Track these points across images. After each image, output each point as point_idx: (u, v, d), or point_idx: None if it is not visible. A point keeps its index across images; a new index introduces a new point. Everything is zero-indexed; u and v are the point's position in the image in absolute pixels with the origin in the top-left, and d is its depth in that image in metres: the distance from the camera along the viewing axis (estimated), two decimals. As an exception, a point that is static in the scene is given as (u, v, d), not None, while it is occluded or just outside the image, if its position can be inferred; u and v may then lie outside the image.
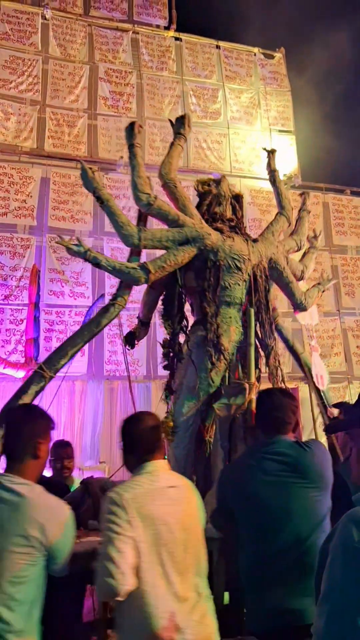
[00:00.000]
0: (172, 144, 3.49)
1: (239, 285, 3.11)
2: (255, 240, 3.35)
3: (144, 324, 3.50)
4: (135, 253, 3.19)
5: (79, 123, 9.38)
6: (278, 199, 3.90)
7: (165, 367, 3.20)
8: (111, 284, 8.47)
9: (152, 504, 1.89)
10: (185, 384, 2.95)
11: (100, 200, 3.03)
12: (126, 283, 3.06)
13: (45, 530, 1.80)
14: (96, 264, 2.95)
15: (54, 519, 1.85)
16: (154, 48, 10.54)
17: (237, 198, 3.54)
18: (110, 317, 2.96)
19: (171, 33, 10.82)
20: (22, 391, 2.76)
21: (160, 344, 3.24)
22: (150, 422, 2.12)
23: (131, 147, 3.31)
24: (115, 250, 8.64)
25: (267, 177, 10.79)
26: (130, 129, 3.35)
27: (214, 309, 3.02)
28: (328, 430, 2.89)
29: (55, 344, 7.95)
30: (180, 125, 3.52)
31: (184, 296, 3.18)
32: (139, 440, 2.07)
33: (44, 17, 9.82)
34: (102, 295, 8.04)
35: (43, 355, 7.59)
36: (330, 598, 1.16)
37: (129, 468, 2.11)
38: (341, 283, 9.87)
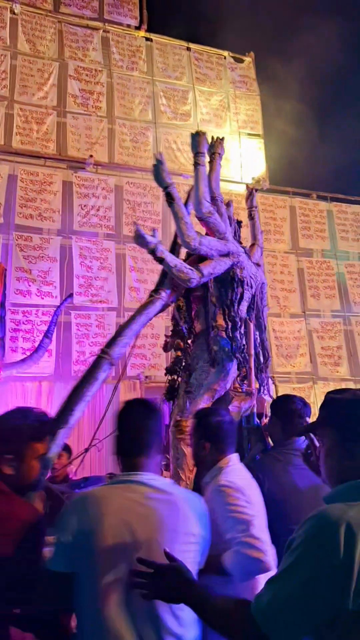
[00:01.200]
0: (210, 162, 3.64)
1: (246, 301, 3.39)
2: (257, 265, 3.69)
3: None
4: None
5: (47, 120, 9.27)
6: (253, 233, 4.08)
7: (169, 370, 3.41)
8: (80, 283, 8.42)
9: (254, 491, 2.11)
10: (205, 385, 3.15)
11: (171, 197, 3.06)
12: (170, 279, 3.16)
13: (204, 524, 1.76)
14: (160, 259, 3.00)
15: (204, 512, 1.80)
16: (125, 47, 10.52)
17: (239, 224, 3.77)
18: (156, 310, 3.11)
19: (142, 33, 10.82)
20: (91, 377, 2.78)
21: (173, 346, 3.43)
22: (228, 417, 2.31)
23: (200, 155, 3.40)
24: (84, 250, 8.60)
25: (235, 180, 10.88)
26: (198, 137, 3.45)
27: (238, 319, 3.27)
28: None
29: (21, 344, 7.84)
30: (217, 146, 3.76)
31: (214, 304, 3.33)
32: (225, 434, 2.23)
33: (12, 12, 9.66)
34: (70, 295, 7.99)
35: (9, 356, 7.47)
36: (279, 581, 1.23)
37: (203, 460, 2.25)
38: (307, 285, 10.07)
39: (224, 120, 10.90)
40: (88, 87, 9.85)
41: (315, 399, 9.13)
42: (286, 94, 12.03)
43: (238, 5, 12.44)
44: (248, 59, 11.63)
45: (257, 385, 3.40)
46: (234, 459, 2.22)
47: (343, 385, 9.34)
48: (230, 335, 3.19)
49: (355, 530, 1.16)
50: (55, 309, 7.46)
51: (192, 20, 12.34)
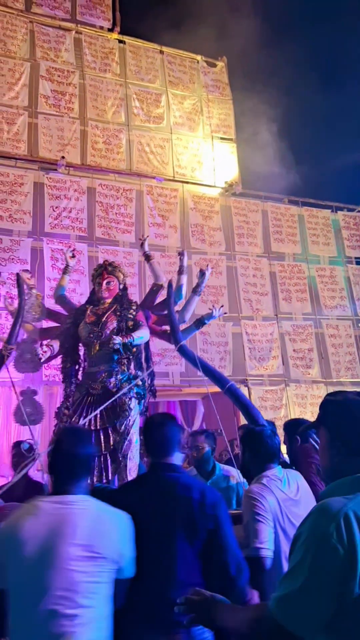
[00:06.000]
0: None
1: None
2: None
3: None
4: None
5: (18, 121, 9.13)
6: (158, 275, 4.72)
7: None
8: (51, 286, 8.29)
9: None
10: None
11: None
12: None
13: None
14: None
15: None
16: (97, 49, 10.45)
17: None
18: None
19: (115, 35, 10.77)
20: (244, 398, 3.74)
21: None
22: None
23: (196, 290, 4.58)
24: (56, 252, 8.49)
25: (208, 183, 10.87)
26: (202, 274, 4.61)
27: None
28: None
29: None
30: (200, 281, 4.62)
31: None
32: None
33: (-18, 10, 9.51)
34: (41, 298, 7.86)
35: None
36: (291, 576, 1.31)
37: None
38: (279, 289, 10.17)
39: (197, 124, 10.94)
40: (60, 88, 9.75)
41: (287, 400, 9.22)
42: (258, 99, 12.19)
43: (211, 9, 12.54)
44: (221, 64, 11.70)
45: None
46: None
47: (314, 387, 9.49)
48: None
49: (353, 520, 1.26)
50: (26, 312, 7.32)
51: (165, 23, 12.39)
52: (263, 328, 9.72)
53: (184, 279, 4.54)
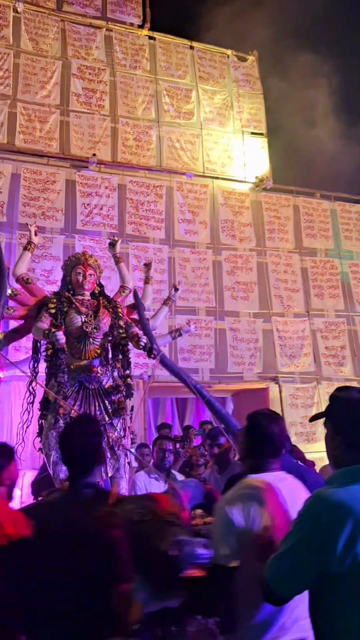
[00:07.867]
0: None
1: None
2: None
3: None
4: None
5: (50, 119, 9.24)
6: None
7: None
8: (82, 282, 8.40)
9: None
10: None
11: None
12: None
13: None
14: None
15: None
16: (128, 46, 10.48)
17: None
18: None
19: (145, 32, 10.77)
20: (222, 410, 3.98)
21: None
22: None
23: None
24: (87, 249, 8.56)
25: (239, 179, 10.82)
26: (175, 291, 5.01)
27: None
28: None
29: (24, 343, 7.78)
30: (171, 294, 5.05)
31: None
32: None
33: (15, 11, 9.61)
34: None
35: (11, 355, 7.42)
36: (282, 544, 1.56)
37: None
38: (311, 285, 10.02)
39: (227, 119, 10.86)
40: (91, 85, 9.81)
41: (319, 398, 9.09)
42: (290, 93, 12.02)
43: (241, 3, 12.41)
44: (251, 58, 11.56)
45: None
46: None
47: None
48: None
49: (338, 509, 1.46)
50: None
51: (196, 18, 12.32)
52: (294, 325, 9.60)
53: (149, 289, 4.85)
